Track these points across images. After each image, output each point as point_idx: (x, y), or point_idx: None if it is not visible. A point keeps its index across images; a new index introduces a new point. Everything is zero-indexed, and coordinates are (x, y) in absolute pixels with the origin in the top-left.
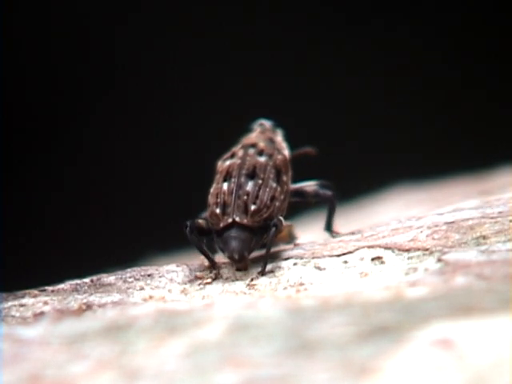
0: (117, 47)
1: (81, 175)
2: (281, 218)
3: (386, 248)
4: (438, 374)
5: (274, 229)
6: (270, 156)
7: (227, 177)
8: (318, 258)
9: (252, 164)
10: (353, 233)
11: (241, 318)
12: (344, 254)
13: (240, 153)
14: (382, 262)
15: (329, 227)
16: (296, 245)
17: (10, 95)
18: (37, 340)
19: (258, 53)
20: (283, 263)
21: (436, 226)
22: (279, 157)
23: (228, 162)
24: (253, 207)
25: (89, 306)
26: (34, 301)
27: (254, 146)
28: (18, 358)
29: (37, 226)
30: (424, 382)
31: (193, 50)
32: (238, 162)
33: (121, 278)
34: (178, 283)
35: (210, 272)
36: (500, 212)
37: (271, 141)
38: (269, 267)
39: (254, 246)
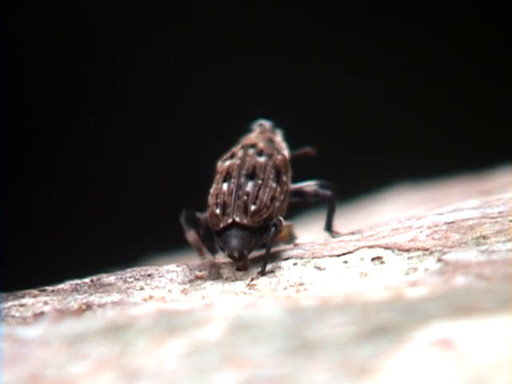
0: (117, 47)
1: (81, 175)
2: (281, 218)
3: (386, 248)
4: (438, 374)
5: (273, 229)
6: (270, 156)
7: (227, 177)
8: (318, 257)
9: (252, 164)
10: (353, 233)
11: (241, 318)
12: (344, 254)
13: (240, 153)
14: (382, 262)
15: (329, 227)
16: (296, 245)
17: (10, 95)
18: (37, 340)
19: (258, 53)
20: (283, 263)
21: (436, 225)
22: (279, 157)
23: (228, 163)
24: (253, 207)
25: (89, 306)
26: (34, 301)
27: (253, 146)
28: (17, 358)
29: (37, 226)
30: (424, 382)
31: (193, 49)
32: (238, 162)
33: (121, 278)
34: (178, 283)
35: (205, 268)
36: (500, 212)
37: (271, 141)
38: (269, 267)
39: (254, 246)
